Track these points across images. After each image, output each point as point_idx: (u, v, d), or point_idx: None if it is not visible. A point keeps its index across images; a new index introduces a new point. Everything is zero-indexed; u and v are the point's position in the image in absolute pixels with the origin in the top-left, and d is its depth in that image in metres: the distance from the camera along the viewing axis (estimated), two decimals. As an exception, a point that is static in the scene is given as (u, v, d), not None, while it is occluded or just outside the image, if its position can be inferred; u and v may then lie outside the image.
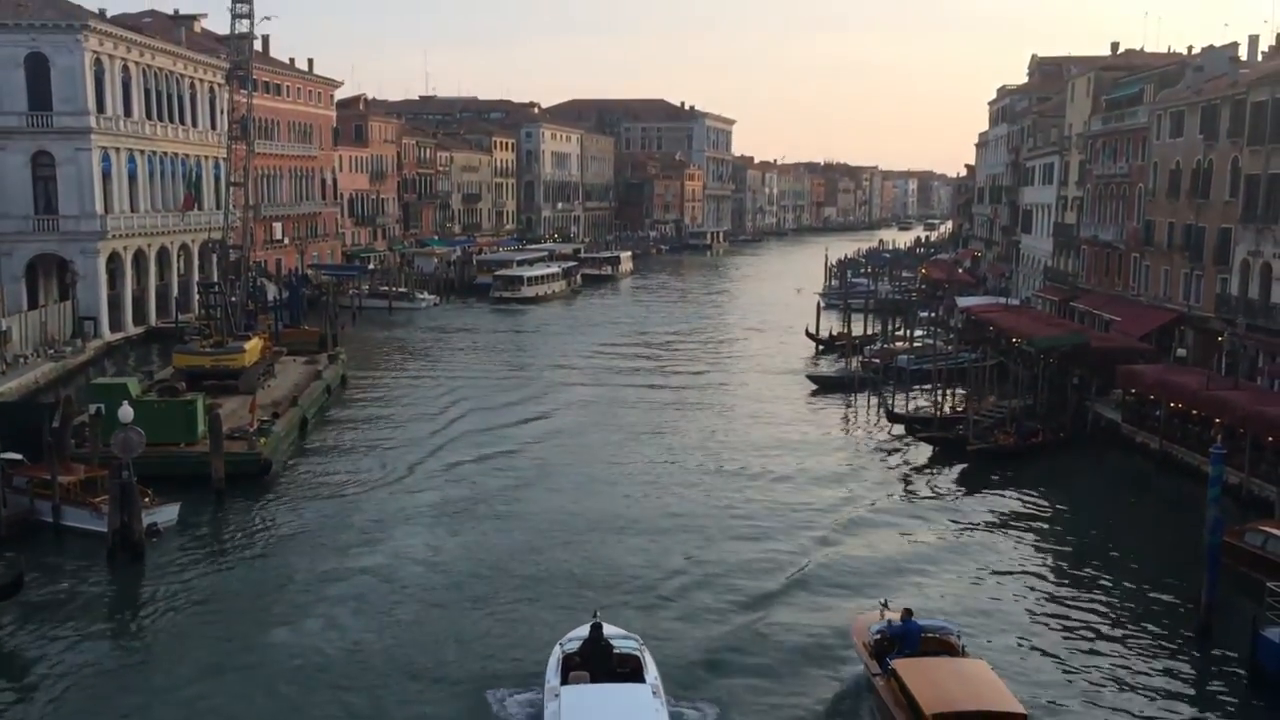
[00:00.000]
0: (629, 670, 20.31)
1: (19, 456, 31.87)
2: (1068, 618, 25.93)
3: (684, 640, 24.06)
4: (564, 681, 19.87)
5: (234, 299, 50.74)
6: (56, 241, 57.51)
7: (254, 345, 47.22)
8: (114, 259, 59.97)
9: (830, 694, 21.89)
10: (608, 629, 21.02)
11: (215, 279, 54.80)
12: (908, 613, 21.51)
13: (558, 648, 21.03)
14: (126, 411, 29.86)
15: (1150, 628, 25.43)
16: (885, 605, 22.82)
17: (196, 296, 66.68)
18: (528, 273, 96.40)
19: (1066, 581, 28.42)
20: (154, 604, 26.16)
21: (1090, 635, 24.97)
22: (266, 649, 23.69)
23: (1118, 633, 25.13)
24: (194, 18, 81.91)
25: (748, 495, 35.49)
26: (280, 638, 24.23)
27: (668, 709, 19.40)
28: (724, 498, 35.20)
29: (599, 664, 20.21)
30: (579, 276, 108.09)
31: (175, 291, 66.88)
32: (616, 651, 20.55)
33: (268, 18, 47.93)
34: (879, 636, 21.30)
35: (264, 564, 28.85)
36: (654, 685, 19.74)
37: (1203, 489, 26.35)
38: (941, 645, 21.16)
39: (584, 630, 21.05)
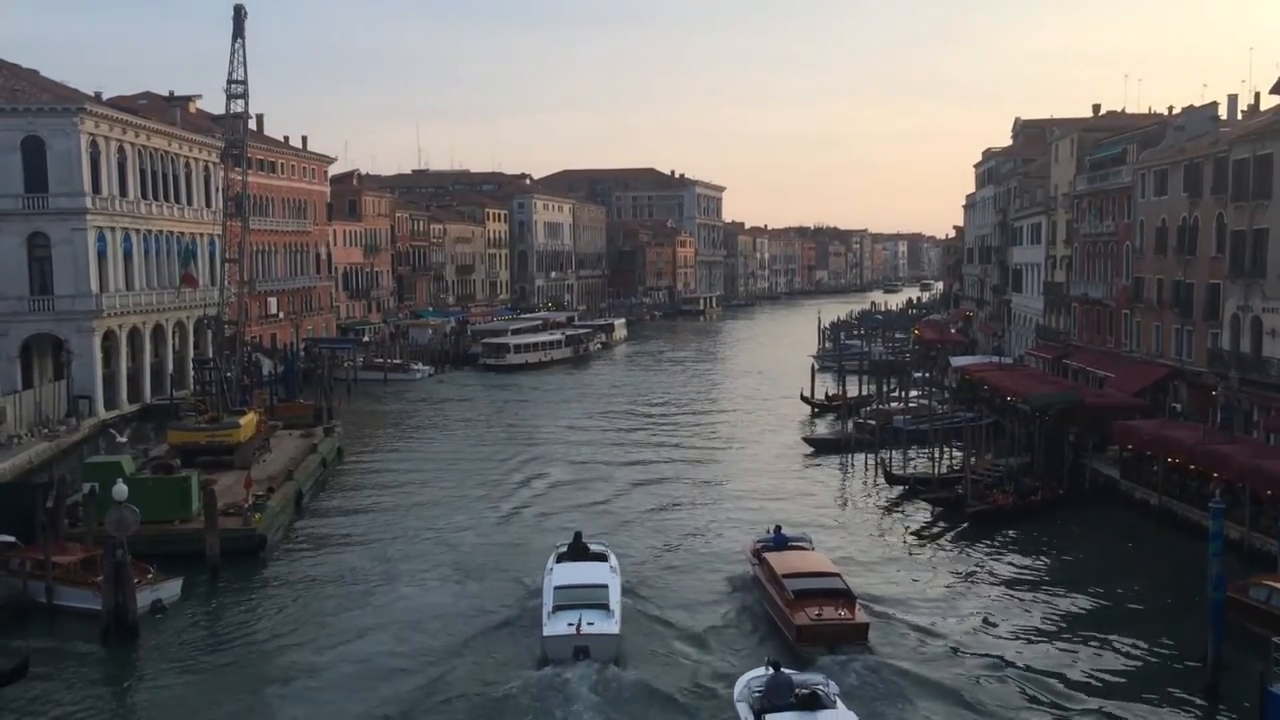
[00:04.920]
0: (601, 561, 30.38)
1: (12, 539, 31.64)
2: (1073, 678, 25.66)
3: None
4: None
5: (229, 374, 50.71)
6: (52, 321, 57.59)
7: (249, 420, 47.15)
8: (109, 337, 60.04)
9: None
10: (585, 538, 31.61)
11: (210, 355, 54.85)
12: (778, 528, 33.11)
13: (553, 551, 31.20)
14: (121, 489, 29.76)
15: (1157, 686, 25.17)
16: (769, 529, 33.49)
17: (192, 373, 66.92)
18: (513, 340, 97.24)
19: (1071, 640, 28.17)
20: (151, 683, 25.83)
21: (1096, 695, 24.69)
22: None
23: (1124, 692, 24.84)
24: (189, 99, 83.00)
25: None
26: (279, 715, 23.89)
27: (620, 580, 29.20)
28: (724, 558, 35.04)
29: (579, 558, 30.33)
30: (592, 343, 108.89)
31: (170, 368, 66.86)
32: (592, 551, 30.98)
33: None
34: (761, 545, 32.12)
35: (260, 640, 28.54)
36: (614, 565, 30.23)
37: (1203, 544, 26.27)
38: (798, 547, 31.96)
39: (569, 539, 31.51)
